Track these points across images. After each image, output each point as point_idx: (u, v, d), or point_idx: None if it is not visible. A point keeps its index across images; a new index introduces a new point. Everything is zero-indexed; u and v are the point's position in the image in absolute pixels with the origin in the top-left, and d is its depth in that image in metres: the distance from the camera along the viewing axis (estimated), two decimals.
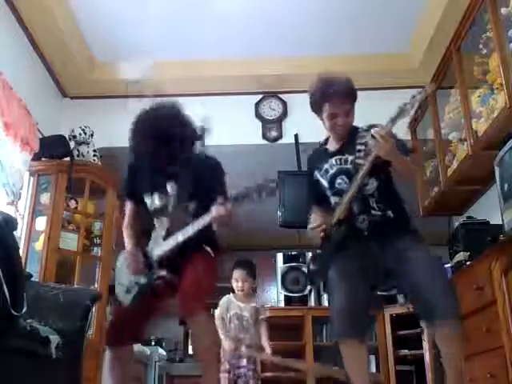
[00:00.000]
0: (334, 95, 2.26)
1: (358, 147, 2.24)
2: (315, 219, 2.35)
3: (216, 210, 2.17)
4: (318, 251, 2.37)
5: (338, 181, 2.30)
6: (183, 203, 2.32)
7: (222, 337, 3.45)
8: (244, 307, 3.57)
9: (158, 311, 2.45)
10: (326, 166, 2.35)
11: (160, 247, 2.32)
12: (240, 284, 3.58)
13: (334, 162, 2.33)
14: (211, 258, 2.36)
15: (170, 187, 2.35)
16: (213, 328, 2.37)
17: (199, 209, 2.29)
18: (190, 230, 2.23)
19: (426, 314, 2.12)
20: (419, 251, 2.17)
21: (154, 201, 2.38)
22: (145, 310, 2.36)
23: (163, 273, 2.30)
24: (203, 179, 2.31)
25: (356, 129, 2.34)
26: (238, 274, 3.62)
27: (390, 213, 2.25)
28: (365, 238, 2.24)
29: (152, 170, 2.38)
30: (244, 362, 3.45)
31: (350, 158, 2.28)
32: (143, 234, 2.47)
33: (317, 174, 2.40)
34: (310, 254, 5.13)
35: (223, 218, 2.19)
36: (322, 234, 2.29)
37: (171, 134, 2.25)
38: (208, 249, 2.36)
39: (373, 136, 2.10)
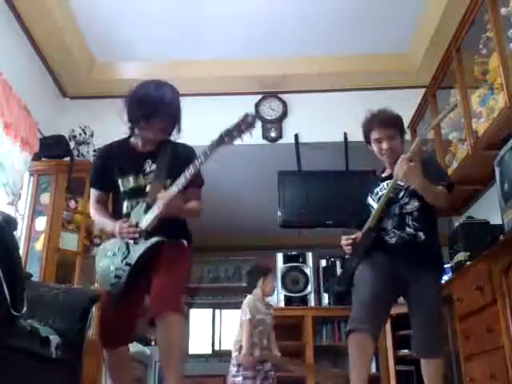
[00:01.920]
0: (377, 121, 2.49)
1: None
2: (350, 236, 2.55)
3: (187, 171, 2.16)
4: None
5: None
6: (162, 180, 2.29)
7: (246, 344, 3.43)
8: (267, 312, 3.61)
9: (143, 296, 2.37)
10: (377, 189, 2.53)
11: (145, 218, 2.25)
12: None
13: (385, 185, 2.49)
14: (187, 252, 2.32)
15: (148, 167, 2.34)
16: (185, 333, 2.29)
17: None
18: (172, 190, 2.19)
19: (418, 352, 2.36)
20: (432, 298, 2.34)
21: (128, 182, 2.35)
22: (134, 305, 2.32)
23: (156, 239, 2.22)
24: (180, 159, 2.29)
25: None
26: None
27: (421, 234, 2.37)
28: (392, 250, 2.37)
29: (129, 151, 2.39)
30: (269, 366, 3.50)
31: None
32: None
33: (369, 199, 2.56)
34: (310, 254, 5.14)
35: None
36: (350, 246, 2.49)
37: (171, 108, 2.30)
38: (184, 242, 2.32)
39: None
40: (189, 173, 2.17)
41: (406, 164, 2.23)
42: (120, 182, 2.36)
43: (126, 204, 2.35)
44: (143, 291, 2.30)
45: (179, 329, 2.10)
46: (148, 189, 2.29)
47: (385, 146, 2.47)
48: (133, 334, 2.42)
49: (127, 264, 2.25)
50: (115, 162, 2.39)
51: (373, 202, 2.53)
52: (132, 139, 2.43)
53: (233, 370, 3.50)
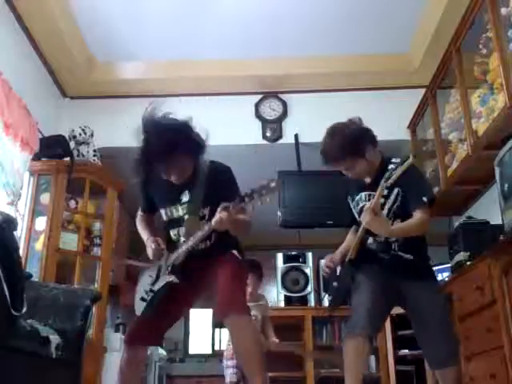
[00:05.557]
0: (329, 158, 2.41)
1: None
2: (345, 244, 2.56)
3: (215, 218, 2.17)
4: (335, 283, 2.53)
5: None
6: (197, 211, 2.34)
7: None
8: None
9: (175, 316, 2.48)
10: (358, 197, 2.46)
11: (174, 254, 2.35)
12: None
13: (363, 196, 2.42)
14: (239, 261, 2.40)
15: (185, 197, 2.36)
16: (255, 328, 2.37)
17: (212, 215, 2.24)
18: (199, 234, 2.26)
19: (432, 364, 2.37)
20: (439, 307, 2.34)
21: (171, 212, 2.40)
22: (163, 315, 2.38)
23: (171, 279, 2.31)
24: (215, 186, 2.32)
25: (389, 160, 2.28)
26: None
27: (408, 256, 2.35)
28: (384, 264, 2.36)
29: (166, 183, 2.37)
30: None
31: None
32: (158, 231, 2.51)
33: (350, 202, 2.51)
34: (310, 254, 5.14)
35: (224, 224, 2.17)
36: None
37: (178, 148, 2.22)
38: (235, 252, 2.40)
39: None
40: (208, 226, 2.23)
41: (369, 215, 2.17)
42: (162, 211, 2.43)
43: (172, 232, 2.43)
44: (182, 303, 2.43)
45: (247, 326, 2.23)
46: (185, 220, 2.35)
47: (349, 175, 2.44)
48: (160, 339, 2.54)
49: (151, 291, 2.35)
50: (157, 189, 2.44)
51: (354, 210, 2.49)
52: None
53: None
